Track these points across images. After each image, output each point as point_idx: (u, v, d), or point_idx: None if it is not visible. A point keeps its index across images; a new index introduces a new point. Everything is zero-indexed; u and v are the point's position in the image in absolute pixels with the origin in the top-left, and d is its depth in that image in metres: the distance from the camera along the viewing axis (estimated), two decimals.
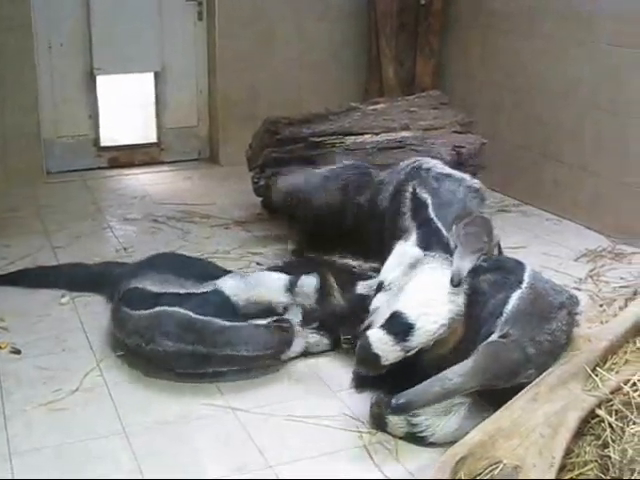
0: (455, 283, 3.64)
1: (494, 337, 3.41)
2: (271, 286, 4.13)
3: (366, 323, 3.94)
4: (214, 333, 3.86)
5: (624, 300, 4.30)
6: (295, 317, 4.11)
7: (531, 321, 3.45)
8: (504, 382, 3.33)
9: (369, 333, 3.67)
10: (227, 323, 3.91)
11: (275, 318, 4.04)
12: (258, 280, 4.20)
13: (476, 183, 4.39)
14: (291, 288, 4.10)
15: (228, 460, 3.37)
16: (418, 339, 3.56)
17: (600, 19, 5.75)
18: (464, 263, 3.72)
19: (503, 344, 3.37)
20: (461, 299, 3.64)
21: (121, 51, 7.07)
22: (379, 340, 3.59)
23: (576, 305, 3.62)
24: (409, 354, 3.58)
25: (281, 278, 4.14)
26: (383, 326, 3.64)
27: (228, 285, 4.15)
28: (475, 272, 3.74)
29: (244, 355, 3.86)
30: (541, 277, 3.79)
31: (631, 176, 5.66)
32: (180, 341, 3.83)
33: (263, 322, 4.00)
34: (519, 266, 3.78)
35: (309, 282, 4.11)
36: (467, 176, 4.45)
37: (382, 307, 3.90)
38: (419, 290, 3.75)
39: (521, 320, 3.44)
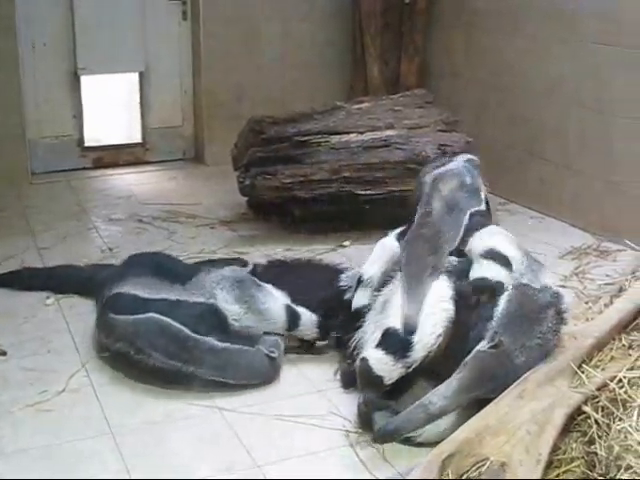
0: (410, 330, 3.51)
1: (484, 345, 3.37)
2: (274, 321, 4.05)
3: (354, 341, 3.86)
4: (204, 353, 3.81)
5: (609, 297, 4.30)
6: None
7: (522, 325, 3.42)
8: (492, 395, 3.29)
9: (367, 355, 3.56)
10: (219, 344, 3.85)
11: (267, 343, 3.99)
12: (259, 309, 4.04)
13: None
14: (292, 326, 4.09)
15: (215, 460, 3.36)
16: (418, 353, 3.48)
17: (583, 17, 5.77)
18: (414, 306, 3.59)
19: (491, 355, 3.34)
20: (451, 305, 3.58)
21: (105, 51, 7.05)
22: (379, 361, 3.50)
23: (562, 302, 3.59)
24: (410, 370, 3.51)
25: (282, 315, 4.06)
26: (380, 345, 3.55)
27: (223, 301, 4.00)
28: (456, 276, 3.69)
29: (229, 382, 3.83)
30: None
31: (615, 174, 5.68)
32: (172, 358, 3.78)
33: (253, 348, 3.93)
34: None
35: (310, 321, 4.12)
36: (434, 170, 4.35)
37: (369, 325, 3.81)
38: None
39: (512, 325, 3.41)
